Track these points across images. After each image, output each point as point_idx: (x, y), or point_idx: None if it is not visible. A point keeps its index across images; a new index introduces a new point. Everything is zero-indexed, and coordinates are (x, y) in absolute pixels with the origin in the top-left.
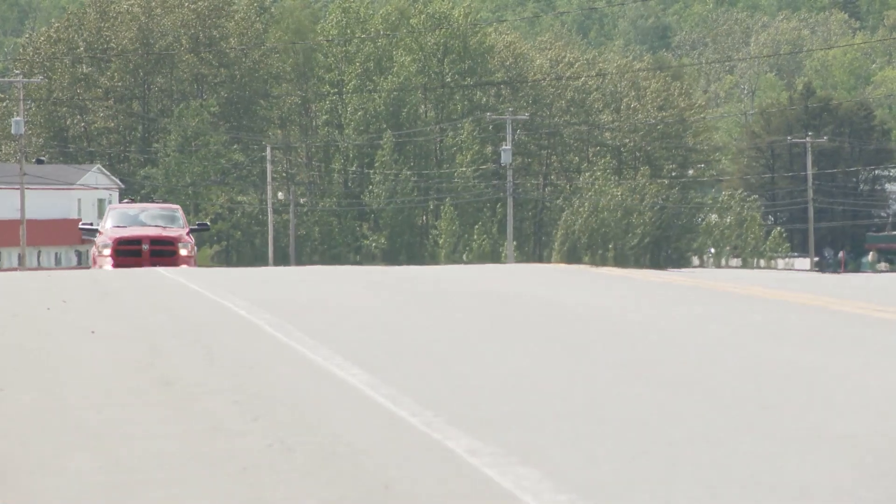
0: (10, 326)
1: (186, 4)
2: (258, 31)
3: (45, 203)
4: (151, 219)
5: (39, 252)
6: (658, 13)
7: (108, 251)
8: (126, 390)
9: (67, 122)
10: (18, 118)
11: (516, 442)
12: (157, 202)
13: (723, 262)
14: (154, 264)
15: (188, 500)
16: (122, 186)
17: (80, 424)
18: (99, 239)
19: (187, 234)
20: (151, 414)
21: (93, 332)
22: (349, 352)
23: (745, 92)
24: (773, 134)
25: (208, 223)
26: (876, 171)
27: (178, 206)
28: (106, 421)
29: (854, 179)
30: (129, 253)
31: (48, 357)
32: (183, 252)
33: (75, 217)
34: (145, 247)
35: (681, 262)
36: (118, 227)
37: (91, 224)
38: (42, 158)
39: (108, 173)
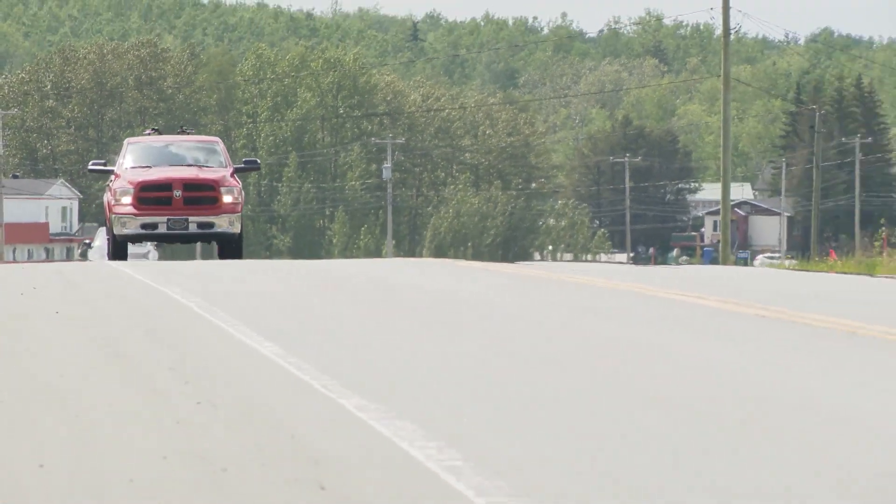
0: None
1: (132, 52)
2: (189, 73)
3: (19, 210)
4: (183, 155)
5: (14, 249)
6: (507, 59)
7: (128, 199)
8: (84, 361)
9: (37, 146)
10: None
11: (396, 401)
12: (190, 132)
13: (558, 256)
14: (189, 215)
15: (135, 445)
16: (81, 196)
17: (46, 389)
18: (116, 183)
19: (231, 174)
20: (105, 381)
21: (57, 312)
22: (263, 329)
23: (577, 121)
24: (598, 155)
25: (258, 160)
26: (679, 185)
27: (217, 139)
28: (68, 386)
29: (662, 191)
30: (156, 201)
31: (19, 333)
32: (227, 199)
33: (44, 221)
34: (177, 193)
35: (525, 256)
36: (140, 167)
37: (104, 163)
38: (17, 174)
39: (70, 186)
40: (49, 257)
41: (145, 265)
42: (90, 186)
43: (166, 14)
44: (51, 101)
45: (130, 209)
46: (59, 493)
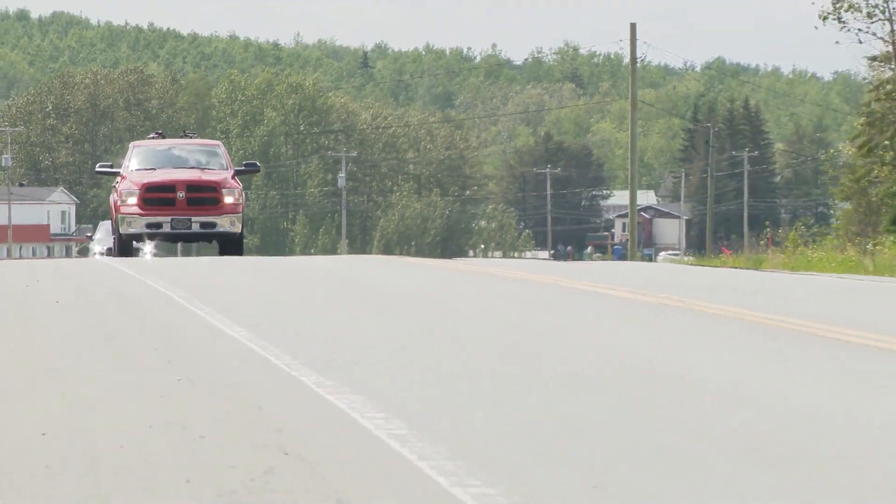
0: None
1: (122, 77)
2: (171, 96)
3: (24, 213)
4: (186, 157)
5: (20, 247)
6: (445, 83)
7: (133, 200)
8: (80, 344)
9: (40, 158)
10: (6, 155)
11: (350, 378)
12: (192, 136)
13: (489, 254)
14: (192, 215)
15: (124, 416)
16: (78, 202)
17: (47, 368)
18: (122, 185)
19: (232, 176)
20: (98, 361)
21: (57, 301)
22: (235, 316)
23: (505, 137)
24: (523, 166)
25: (257, 163)
26: (593, 192)
27: (218, 143)
28: (66, 365)
29: (578, 197)
30: (160, 202)
31: (24, 320)
32: (228, 200)
33: (45, 223)
34: (181, 194)
35: (461, 253)
36: (145, 168)
37: (110, 165)
38: (22, 183)
39: (68, 193)
40: (50, 254)
41: (134, 261)
42: (86, 193)
43: (151, 45)
44: (52, 119)
45: (136, 209)
46: (58, 458)
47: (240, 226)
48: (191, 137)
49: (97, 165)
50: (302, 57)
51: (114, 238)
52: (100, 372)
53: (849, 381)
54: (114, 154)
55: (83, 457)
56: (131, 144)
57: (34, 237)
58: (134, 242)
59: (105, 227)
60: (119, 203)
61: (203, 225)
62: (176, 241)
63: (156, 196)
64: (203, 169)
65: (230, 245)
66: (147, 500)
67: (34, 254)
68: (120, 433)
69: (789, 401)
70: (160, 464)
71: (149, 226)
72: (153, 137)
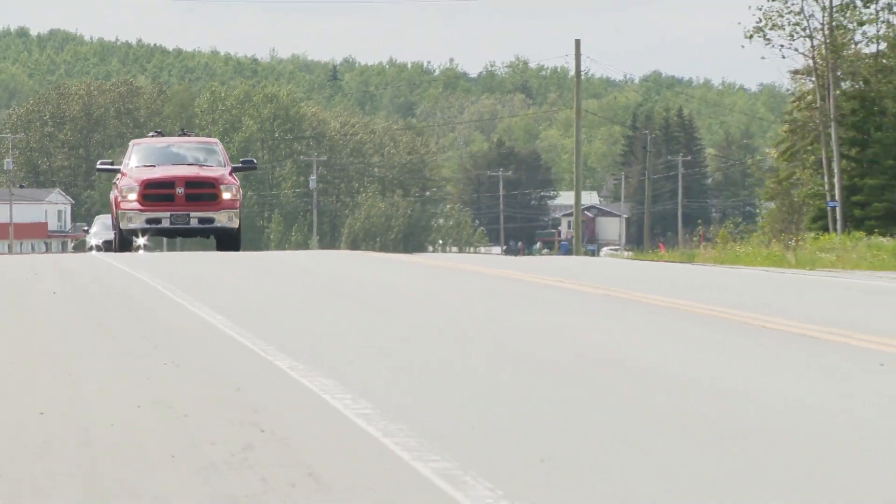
0: (1, 288)
1: (113, 89)
2: (158, 105)
3: (24, 212)
4: (184, 155)
5: (21, 243)
6: (407, 94)
7: (133, 196)
8: (74, 331)
9: (38, 162)
10: (8, 160)
11: (319, 362)
12: (190, 134)
13: (446, 249)
14: (190, 211)
15: (115, 396)
16: (73, 202)
17: (45, 352)
18: (122, 181)
19: (230, 173)
20: (91, 346)
21: (54, 293)
22: (215, 305)
23: (461, 143)
24: (478, 169)
25: (254, 160)
26: (541, 193)
27: (216, 140)
28: (62, 350)
29: (528, 197)
30: (159, 197)
31: (24, 308)
32: (226, 196)
33: (43, 221)
34: (179, 190)
35: (421, 249)
36: (145, 165)
37: (110, 163)
38: (23, 185)
39: (64, 194)
40: (48, 250)
41: (126, 255)
42: (80, 194)
43: (140, 59)
44: (49, 127)
45: (136, 205)
46: (55, 435)
47: (237, 221)
48: (189, 135)
49: (98, 162)
50: (277, 70)
51: (114, 233)
52: (92, 356)
53: (776, 365)
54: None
55: (77, 434)
56: (131, 142)
57: (33, 234)
58: (133, 238)
59: (100, 221)
60: (119, 199)
61: (201, 220)
62: (175, 236)
63: (155, 192)
64: (201, 166)
65: (228, 240)
66: (135, 474)
67: (33, 249)
68: (111, 412)
69: (716, 382)
70: (147, 440)
71: (148, 221)
72: (153, 135)
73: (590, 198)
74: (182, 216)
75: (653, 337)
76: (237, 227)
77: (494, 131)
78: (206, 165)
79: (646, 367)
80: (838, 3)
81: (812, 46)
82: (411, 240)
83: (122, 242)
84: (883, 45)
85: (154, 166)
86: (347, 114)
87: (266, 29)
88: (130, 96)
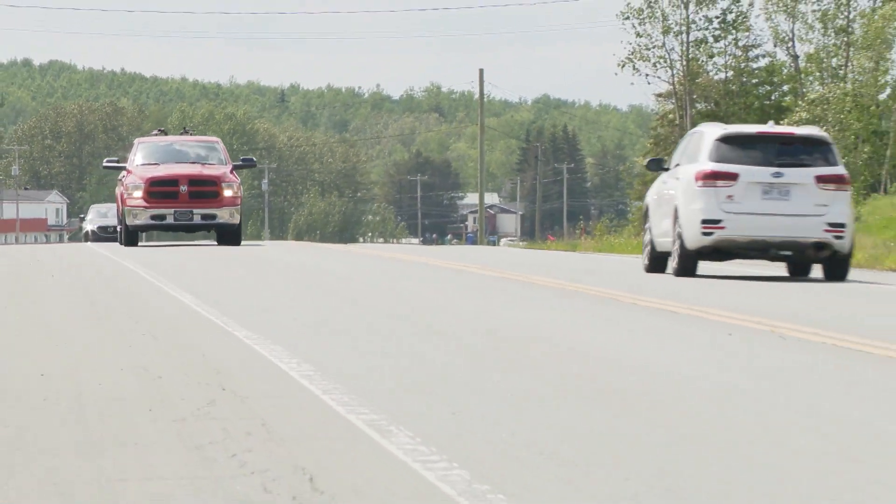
0: (6, 271)
1: (101, 109)
2: (138, 122)
3: (28, 210)
4: (187, 153)
5: (25, 235)
6: (342, 113)
7: (139, 193)
8: (68, 308)
9: (39, 169)
10: (15, 167)
11: (272, 333)
12: (192, 133)
13: (374, 240)
14: (194, 207)
15: (102, 362)
16: (68, 201)
17: (44, 325)
18: (128, 179)
19: (231, 171)
20: (82, 320)
21: (52, 276)
22: (185, 286)
23: (386, 153)
24: (400, 175)
25: (253, 158)
26: (452, 194)
27: (217, 139)
28: (58, 324)
29: (441, 198)
30: (164, 195)
31: (27, 288)
32: (228, 193)
33: (43, 217)
34: (183, 188)
35: (353, 240)
36: (149, 164)
37: (116, 161)
38: (27, 187)
39: (61, 195)
40: (47, 241)
41: (113, 245)
42: (74, 195)
43: (123, 84)
44: (48, 140)
45: (141, 202)
46: (53, 392)
47: (238, 217)
48: (191, 134)
49: (104, 160)
50: (235, 94)
51: (120, 228)
52: (83, 329)
53: (642, 336)
54: (95, 166)
55: (71, 392)
56: (136, 140)
57: (35, 228)
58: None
59: (95, 209)
60: (125, 196)
61: (204, 217)
62: (178, 232)
63: (160, 189)
64: (204, 164)
65: (229, 235)
66: (119, 424)
67: (35, 240)
68: (98, 374)
69: (593, 349)
70: (129, 397)
71: (153, 217)
72: (156, 134)
73: (491, 198)
74: (186, 213)
75: (538, 311)
76: (238, 222)
77: (413, 144)
78: (209, 163)
79: (535, 336)
80: (693, 39)
81: (672, 74)
82: (345, 233)
83: (129, 237)
84: (730, 73)
85: (158, 164)
86: (293, 129)
87: (226, 59)
88: (115, 115)
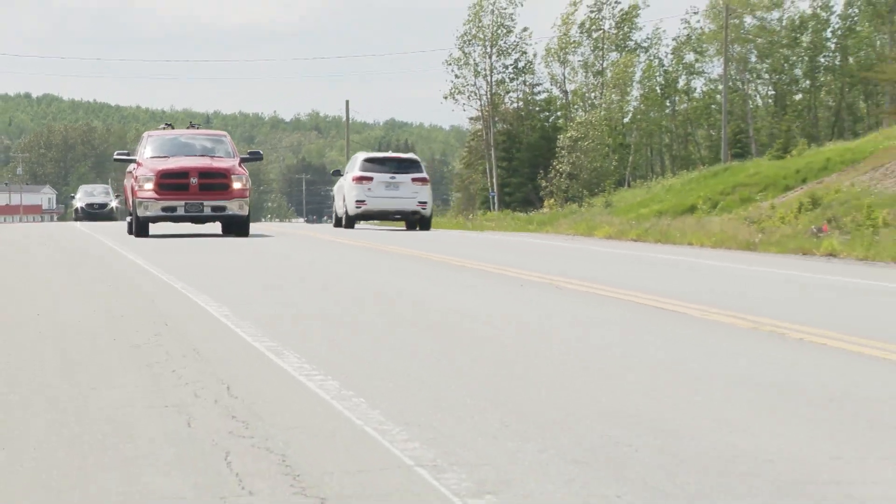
0: (6, 246)
1: (79, 128)
2: (106, 137)
3: (27, 199)
4: (196, 146)
5: (24, 217)
6: (250, 131)
7: (150, 185)
8: (60, 281)
9: (36, 170)
10: (19, 168)
11: (202, 286)
12: (198, 127)
13: (272, 221)
14: (204, 199)
15: (78, 309)
16: (57, 193)
17: (43, 284)
18: (138, 171)
19: (239, 164)
20: (66, 277)
21: (42, 245)
22: (161, 264)
23: (282, 159)
24: (290, 174)
25: (260, 151)
26: (327, 188)
27: (224, 133)
28: (52, 288)
29: (320, 190)
30: (174, 187)
31: (26, 259)
32: (237, 185)
33: (39, 204)
34: (193, 180)
35: (257, 220)
36: (159, 156)
37: (127, 153)
38: (28, 182)
39: (52, 188)
40: (42, 220)
41: (94, 224)
42: (61, 189)
43: (95, 110)
44: (42, 150)
45: (152, 194)
46: (46, 327)
47: (247, 209)
48: (197, 128)
49: (115, 153)
50: (174, 117)
51: (130, 219)
52: (66, 283)
53: (468, 290)
54: (78, 168)
55: (58, 327)
56: (145, 133)
57: (32, 212)
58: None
59: (83, 189)
60: (136, 188)
61: (214, 209)
62: (188, 222)
63: (171, 182)
64: (213, 157)
65: (238, 226)
66: (91, 350)
67: (32, 220)
68: (77, 315)
69: (440, 302)
70: (98, 330)
71: (164, 209)
72: (164, 127)
73: None
74: (196, 205)
75: (414, 277)
76: (246, 214)
77: (300, 153)
78: (217, 156)
79: (398, 292)
80: (495, 79)
81: (481, 104)
82: (252, 216)
83: (140, 228)
84: (521, 104)
85: (167, 157)
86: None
87: (168, 92)
88: (89, 132)
